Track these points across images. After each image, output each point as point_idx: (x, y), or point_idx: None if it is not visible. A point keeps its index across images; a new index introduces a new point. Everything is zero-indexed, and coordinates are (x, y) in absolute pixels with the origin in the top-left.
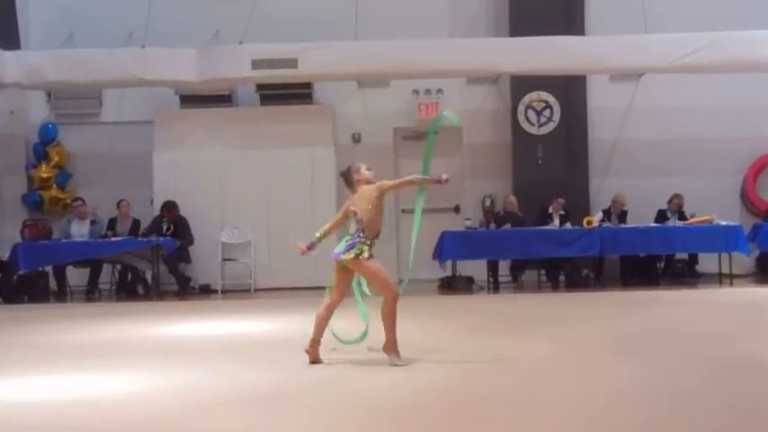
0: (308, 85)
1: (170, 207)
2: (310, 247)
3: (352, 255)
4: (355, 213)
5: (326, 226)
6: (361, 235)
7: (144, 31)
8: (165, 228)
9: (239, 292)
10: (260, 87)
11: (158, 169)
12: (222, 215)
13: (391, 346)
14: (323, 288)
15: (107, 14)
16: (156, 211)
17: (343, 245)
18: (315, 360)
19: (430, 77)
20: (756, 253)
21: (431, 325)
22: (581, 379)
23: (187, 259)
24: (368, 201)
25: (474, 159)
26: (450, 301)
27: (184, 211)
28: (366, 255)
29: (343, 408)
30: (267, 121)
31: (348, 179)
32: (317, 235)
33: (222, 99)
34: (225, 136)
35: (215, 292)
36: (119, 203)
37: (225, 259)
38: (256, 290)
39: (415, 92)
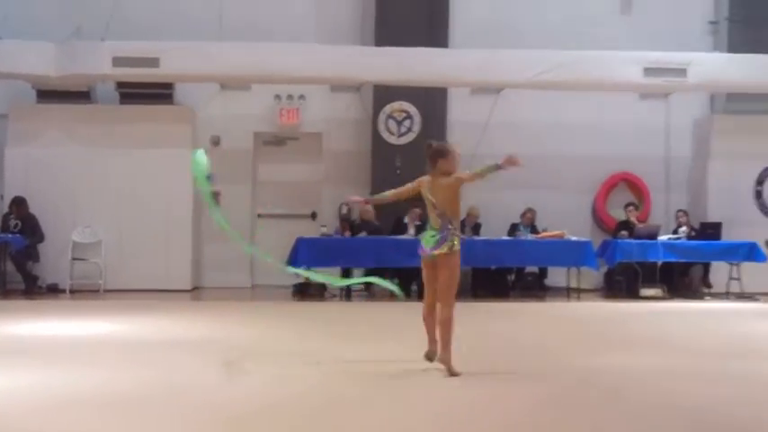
0: (169, 86)
1: (18, 203)
2: (367, 202)
3: (445, 248)
4: (435, 207)
5: (390, 192)
6: (450, 227)
7: (2, 22)
8: (12, 224)
9: (88, 292)
10: (120, 85)
11: (10, 165)
12: (74, 214)
13: (446, 355)
14: (175, 291)
15: None
16: (5, 208)
17: (431, 240)
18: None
19: (293, 83)
20: (604, 268)
21: (284, 331)
22: (420, 384)
23: (36, 257)
24: (448, 192)
25: (333, 166)
26: (303, 307)
27: (36, 208)
28: (457, 247)
29: (198, 414)
30: (126, 120)
31: (435, 158)
32: (376, 196)
33: (81, 96)
34: (82, 133)
35: (63, 291)
36: None
37: (74, 258)
38: (106, 290)
39: (278, 97)
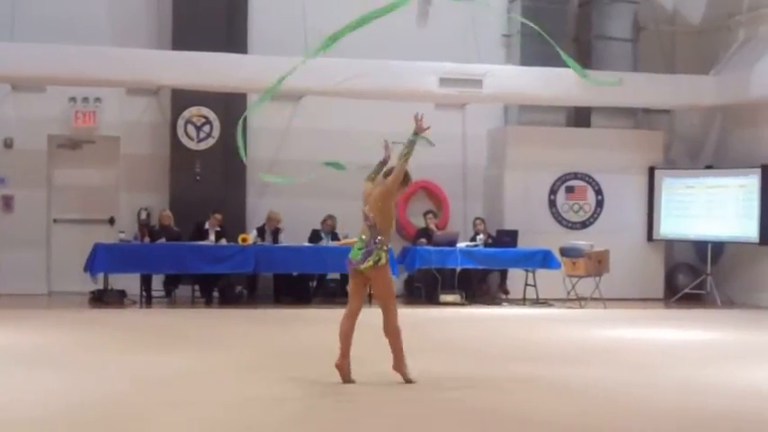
0: None
1: None
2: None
3: (370, 262)
4: (366, 218)
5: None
6: (377, 241)
7: None
8: None
9: None
10: None
11: None
12: None
13: (400, 365)
14: None
15: None
16: None
17: (357, 253)
18: (346, 378)
19: (88, 85)
20: (404, 275)
21: (78, 339)
22: (206, 393)
23: None
24: (380, 201)
25: (131, 171)
26: (100, 314)
27: None
28: (384, 261)
29: None
30: None
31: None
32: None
33: None
34: None
35: None
36: None
37: None
38: None
39: (73, 99)
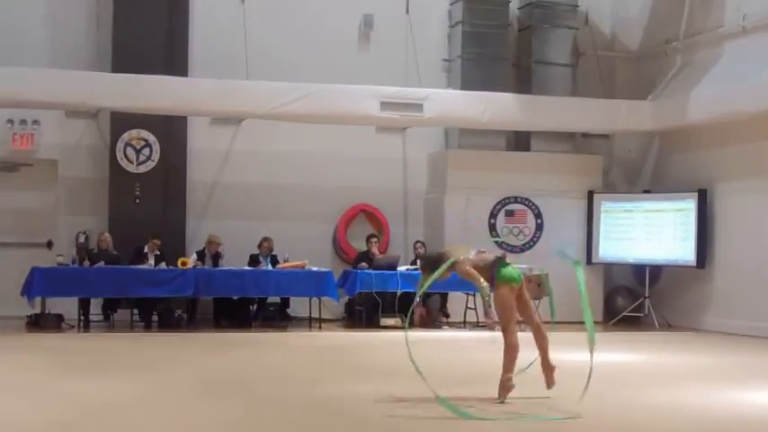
0: None
1: None
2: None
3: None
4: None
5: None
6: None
7: None
8: None
9: None
10: None
11: None
12: None
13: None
14: None
15: None
16: None
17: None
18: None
19: (26, 107)
20: (345, 299)
21: (15, 364)
22: (156, 420)
23: None
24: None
25: (69, 194)
26: (38, 339)
27: None
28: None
29: None
30: None
31: None
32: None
33: None
34: None
35: None
36: None
37: None
38: None
39: (10, 121)
